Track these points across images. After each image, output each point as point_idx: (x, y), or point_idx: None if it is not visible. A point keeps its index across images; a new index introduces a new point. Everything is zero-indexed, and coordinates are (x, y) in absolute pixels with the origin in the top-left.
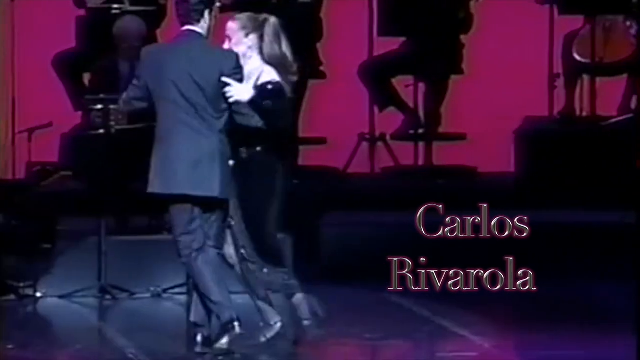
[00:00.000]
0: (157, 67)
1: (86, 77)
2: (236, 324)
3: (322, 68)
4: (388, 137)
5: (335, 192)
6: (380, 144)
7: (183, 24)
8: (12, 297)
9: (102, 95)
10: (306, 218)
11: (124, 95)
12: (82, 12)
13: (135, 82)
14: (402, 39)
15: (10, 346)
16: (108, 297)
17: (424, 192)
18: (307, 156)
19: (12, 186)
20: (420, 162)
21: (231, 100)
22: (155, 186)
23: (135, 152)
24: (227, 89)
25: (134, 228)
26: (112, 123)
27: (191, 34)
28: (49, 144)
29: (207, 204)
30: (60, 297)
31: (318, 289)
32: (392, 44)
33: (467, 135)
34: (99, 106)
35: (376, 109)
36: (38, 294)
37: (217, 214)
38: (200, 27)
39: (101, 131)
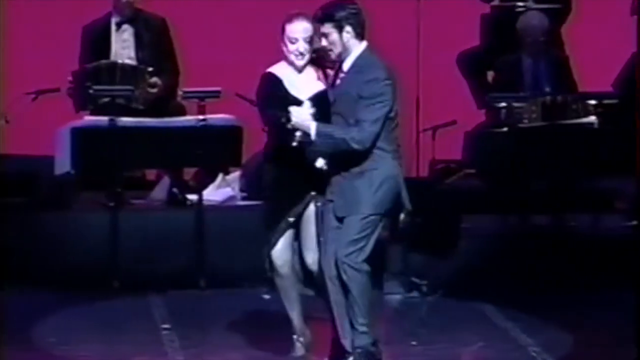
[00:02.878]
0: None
1: (490, 75)
2: None
3: None
4: None
5: None
6: None
7: (361, 39)
8: (416, 294)
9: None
10: None
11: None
12: (486, 9)
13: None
14: None
15: (413, 343)
16: None
17: None
18: None
19: (416, 184)
20: None
21: None
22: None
23: (537, 149)
24: None
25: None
26: (526, 120)
27: None
28: (452, 141)
29: None
30: (461, 296)
31: None
32: None
33: None
34: (503, 104)
35: None
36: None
37: None
38: None
39: (505, 129)
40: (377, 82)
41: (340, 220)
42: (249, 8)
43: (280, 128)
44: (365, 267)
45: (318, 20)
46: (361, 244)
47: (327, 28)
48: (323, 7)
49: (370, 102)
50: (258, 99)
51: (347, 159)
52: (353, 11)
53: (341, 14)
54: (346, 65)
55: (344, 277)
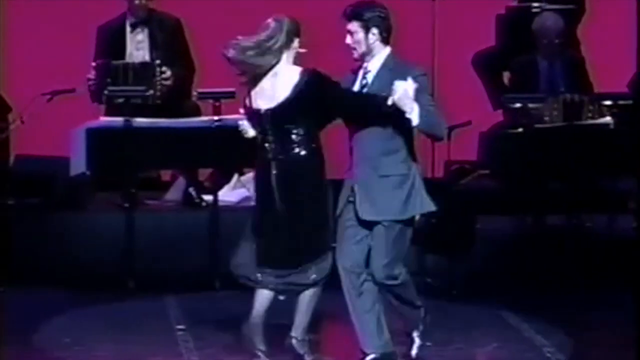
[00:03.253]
0: None
1: (505, 76)
2: None
3: None
4: None
5: None
6: None
7: (385, 44)
8: (431, 295)
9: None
10: None
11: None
12: (501, 10)
13: None
14: None
15: (428, 344)
16: None
17: None
18: None
19: (431, 185)
20: None
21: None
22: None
23: (553, 150)
24: None
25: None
26: (547, 119)
27: None
28: (467, 142)
29: None
30: (475, 297)
31: None
32: None
33: None
34: (518, 105)
35: None
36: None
37: None
38: None
39: (520, 129)
40: (422, 77)
41: (362, 222)
42: (266, 8)
43: (379, 107)
44: (402, 275)
45: (346, 17)
46: (394, 261)
47: (354, 26)
48: (353, 5)
49: (426, 95)
50: (341, 89)
51: (386, 162)
52: (382, 15)
53: (369, 15)
54: (374, 67)
55: (387, 295)
